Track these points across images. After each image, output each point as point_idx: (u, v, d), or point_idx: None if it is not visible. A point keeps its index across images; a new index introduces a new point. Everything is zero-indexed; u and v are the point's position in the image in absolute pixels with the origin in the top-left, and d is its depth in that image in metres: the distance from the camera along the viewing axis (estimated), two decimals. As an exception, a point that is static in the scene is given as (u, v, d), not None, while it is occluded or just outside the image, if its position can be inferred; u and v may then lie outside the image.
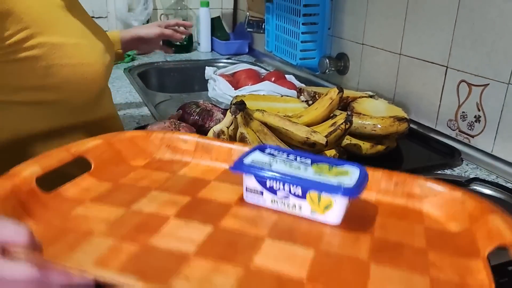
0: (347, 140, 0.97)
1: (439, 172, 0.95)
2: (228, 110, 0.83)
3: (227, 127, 0.83)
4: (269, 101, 1.12)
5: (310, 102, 1.14)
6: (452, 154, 1.00)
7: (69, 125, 0.82)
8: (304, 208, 0.51)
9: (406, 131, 0.98)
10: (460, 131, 1.05)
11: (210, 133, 0.82)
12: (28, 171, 0.50)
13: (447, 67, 1.06)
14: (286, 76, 1.38)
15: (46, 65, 0.73)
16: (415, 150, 1.06)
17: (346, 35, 1.40)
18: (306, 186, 0.50)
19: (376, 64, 1.29)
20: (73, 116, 0.83)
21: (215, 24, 2.09)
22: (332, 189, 0.49)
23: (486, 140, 0.98)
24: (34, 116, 0.78)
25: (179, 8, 2.02)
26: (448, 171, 0.96)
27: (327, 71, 1.41)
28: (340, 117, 0.89)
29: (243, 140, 0.82)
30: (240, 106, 0.83)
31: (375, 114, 1.03)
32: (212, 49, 2.09)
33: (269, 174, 0.51)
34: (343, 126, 0.87)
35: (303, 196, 0.51)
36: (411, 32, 1.15)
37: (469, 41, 0.99)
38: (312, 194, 0.50)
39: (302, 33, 1.40)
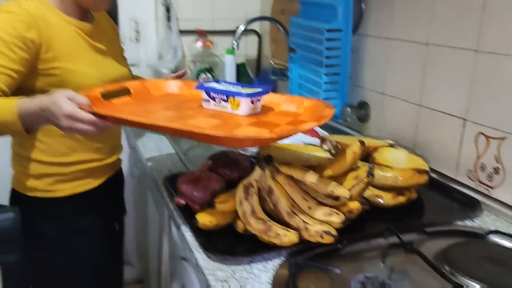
0: (369, 191, 1.01)
1: (459, 223, 0.97)
2: (257, 164, 0.88)
3: (255, 180, 0.88)
4: (294, 150, 1.18)
5: (333, 151, 1.19)
6: (472, 205, 1.03)
7: None
8: (228, 107, 0.97)
9: (426, 183, 1.01)
10: (479, 181, 1.08)
11: (239, 186, 0.88)
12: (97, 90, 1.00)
13: (465, 119, 1.10)
14: (309, 124, 1.44)
15: (60, 81, 1.07)
16: (436, 200, 1.09)
17: (367, 84, 1.46)
18: (227, 95, 0.97)
19: (396, 113, 1.34)
20: None
21: (240, 69, 2.18)
22: (239, 95, 0.95)
23: (506, 192, 1.01)
24: None
25: (206, 55, 2.13)
26: (468, 222, 0.99)
27: (348, 119, 1.47)
28: (363, 170, 0.93)
29: (270, 192, 0.87)
30: (268, 160, 0.88)
31: (396, 165, 1.07)
32: (237, 94, 2.17)
33: (211, 89, 0.99)
34: (365, 179, 0.91)
35: (227, 100, 0.97)
36: (430, 84, 1.20)
37: (486, 96, 1.04)
38: (230, 98, 0.96)
39: (325, 82, 1.47)
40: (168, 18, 2.03)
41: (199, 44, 2.09)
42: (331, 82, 1.48)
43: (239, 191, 0.87)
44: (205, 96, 1.01)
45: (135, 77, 1.42)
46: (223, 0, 2.14)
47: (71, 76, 1.07)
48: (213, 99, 1.00)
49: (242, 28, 1.73)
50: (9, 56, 0.98)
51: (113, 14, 1.99)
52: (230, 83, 1.08)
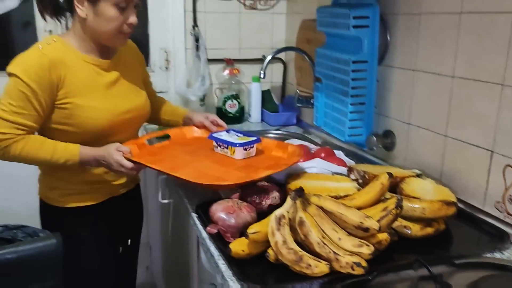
0: (397, 222, 1.02)
1: (488, 255, 0.98)
2: (288, 196, 0.92)
3: (287, 212, 0.91)
4: (321, 180, 1.21)
5: (360, 181, 1.21)
6: (501, 237, 1.04)
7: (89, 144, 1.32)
8: (228, 153, 1.33)
9: (454, 214, 1.03)
10: (508, 213, 1.08)
11: (272, 217, 0.91)
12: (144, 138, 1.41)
13: (492, 151, 1.11)
14: (335, 151, 1.47)
15: (69, 114, 1.25)
16: (464, 231, 1.10)
17: (392, 114, 1.49)
18: (226, 144, 1.34)
19: (422, 143, 1.36)
20: (90, 141, 1.29)
21: (265, 96, 2.24)
22: (234, 144, 1.31)
23: (535, 224, 1.01)
24: (71, 136, 1.28)
25: (233, 82, 2.19)
26: (497, 254, 0.99)
27: (374, 147, 1.49)
28: (391, 202, 0.96)
29: (301, 224, 0.90)
30: (299, 192, 0.92)
31: (424, 196, 1.09)
32: (262, 120, 2.22)
33: (217, 139, 1.36)
34: (394, 211, 0.93)
35: (227, 147, 1.34)
36: (456, 115, 1.22)
37: (513, 129, 1.05)
38: (229, 146, 1.33)
39: (351, 112, 1.50)
40: (197, 48, 2.10)
41: (226, 72, 2.16)
42: (357, 111, 1.51)
43: (272, 222, 0.90)
44: (214, 143, 1.38)
45: (159, 100, 1.61)
46: (250, 30, 2.21)
47: (79, 110, 1.25)
48: (220, 146, 1.37)
49: (269, 57, 1.79)
50: (34, 98, 1.19)
51: (144, 44, 2.09)
52: (238, 132, 1.41)
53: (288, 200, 0.92)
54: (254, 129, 2.12)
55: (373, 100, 1.50)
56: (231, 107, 2.16)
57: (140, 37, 2.09)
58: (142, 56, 1.52)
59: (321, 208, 0.93)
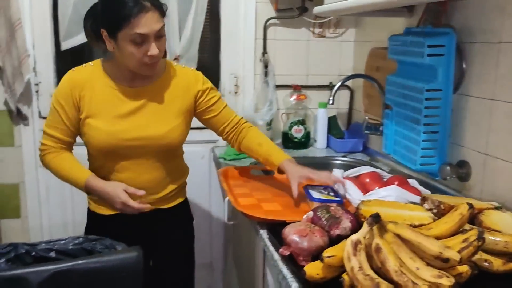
0: (477, 255, 0.99)
1: None
2: (365, 221, 0.92)
3: (363, 237, 0.91)
4: (394, 208, 1.19)
5: (434, 211, 1.18)
6: None
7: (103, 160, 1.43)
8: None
9: (540, 250, 0.97)
10: None
11: (348, 242, 0.91)
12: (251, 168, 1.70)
13: None
14: (409, 180, 1.45)
15: (83, 130, 1.38)
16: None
17: (467, 143, 1.45)
18: (309, 197, 1.35)
19: (501, 174, 1.31)
20: (103, 158, 1.41)
21: (331, 122, 2.24)
22: (312, 199, 1.32)
23: None
24: (89, 151, 1.44)
25: (300, 108, 2.22)
26: None
27: (448, 177, 1.45)
28: (472, 233, 0.93)
29: (378, 250, 0.89)
30: (376, 218, 0.91)
31: (505, 229, 1.05)
32: (328, 146, 2.22)
33: (307, 191, 1.38)
34: (475, 243, 0.91)
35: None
36: (540, 147, 1.17)
37: None
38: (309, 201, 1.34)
39: (423, 140, 1.48)
40: (266, 74, 2.16)
41: (294, 97, 2.19)
42: (430, 139, 1.48)
43: (348, 247, 0.90)
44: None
45: (243, 132, 1.56)
46: (318, 57, 2.25)
47: (88, 128, 1.37)
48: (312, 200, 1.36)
49: (338, 84, 1.81)
50: (62, 112, 1.36)
51: (215, 69, 2.18)
52: (332, 191, 1.38)
53: (365, 226, 0.92)
54: (319, 155, 2.13)
55: (447, 128, 1.47)
56: (297, 132, 2.19)
57: (211, 63, 2.19)
58: (198, 85, 1.48)
59: (398, 235, 0.92)
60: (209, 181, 2.25)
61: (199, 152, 2.22)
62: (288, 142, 2.21)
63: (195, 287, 1.70)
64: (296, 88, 2.20)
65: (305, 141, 2.21)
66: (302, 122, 2.19)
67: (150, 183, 1.44)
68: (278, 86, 2.20)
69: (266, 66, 2.16)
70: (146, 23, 1.25)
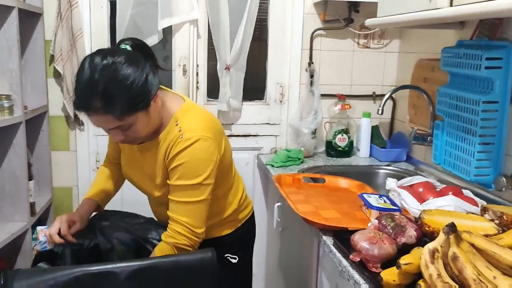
0: (548, 266, 1.01)
1: None
2: (441, 230, 0.95)
3: (440, 246, 0.94)
4: (456, 218, 1.21)
5: (497, 221, 1.20)
6: None
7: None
8: (367, 212, 1.39)
9: None
10: None
11: (425, 250, 0.94)
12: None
13: None
14: (463, 191, 1.47)
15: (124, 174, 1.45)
16: None
17: (523, 155, 1.46)
18: (367, 205, 1.38)
19: (560, 187, 1.32)
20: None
21: (374, 132, 2.27)
22: (371, 207, 1.36)
23: None
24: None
25: (343, 117, 2.26)
26: None
27: (503, 189, 1.47)
28: (546, 244, 0.95)
29: (455, 259, 0.92)
30: (452, 228, 0.94)
31: None
32: (370, 155, 2.25)
33: (364, 199, 1.42)
34: (551, 254, 0.93)
35: (367, 208, 1.39)
36: None
37: None
38: (368, 208, 1.38)
39: (478, 152, 1.50)
40: (311, 83, 2.21)
41: (338, 107, 2.23)
42: (484, 151, 1.50)
43: (425, 255, 0.93)
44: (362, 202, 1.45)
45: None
46: (362, 67, 2.28)
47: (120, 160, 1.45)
48: (364, 205, 1.42)
49: (388, 94, 1.84)
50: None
51: (262, 78, 2.23)
52: (388, 199, 1.42)
53: (441, 235, 0.95)
54: (362, 164, 2.16)
55: (503, 140, 1.49)
56: (341, 141, 2.22)
57: (258, 72, 2.24)
58: (172, 151, 1.23)
59: (472, 245, 0.95)
60: (252, 188, 2.30)
61: (244, 158, 2.27)
62: (331, 150, 2.24)
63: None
64: (341, 97, 2.24)
65: (349, 150, 2.24)
66: (346, 131, 2.23)
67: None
68: (322, 95, 2.23)
69: (311, 76, 2.20)
70: (96, 121, 1.15)
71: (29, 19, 1.86)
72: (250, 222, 1.54)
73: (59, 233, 1.25)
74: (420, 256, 0.96)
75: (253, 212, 1.56)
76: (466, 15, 1.23)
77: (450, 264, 0.92)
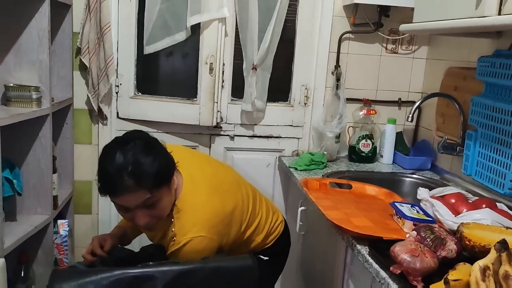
0: None
1: None
2: (493, 247, 0.92)
3: (492, 263, 0.91)
4: (497, 233, 1.19)
5: (538, 238, 1.18)
6: None
7: None
8: (400, 222, 1.38)
9: None
10: None
11: (476, 267, 0.91)
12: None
13: None
14: (497, 204, 1.44)
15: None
16: None
17: (560, 171, 1.43)
18: (401, 215, 1.36)
19: None
20: None
21: (397, 138, 2.24)
22: (406, 217, 1.34)
23: None
24: None
25: (367, 122, 2.23)
26: None
27: (540, 203, 1.44)
28: None
29: (507, 278, 0.89)
30: (504, 245, 0.92)
31: None
32: (393, 162, 2.22)
33: (396, 207, 1.40)
34: None
35: (400, 218, 1.38)
36: None
37: None
38: (401, 218, 1.36)
39: (514, 164, 1.47)
40: (337, 87, 2.18)
41: (363, 112, 2.20)
42: (520, 164, 1.47)
43: (476, 272, 0.91)
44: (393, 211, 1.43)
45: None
46: (388, 73, 2.25)
47: None
48: (396, 214, 1.40)
49: (419, 102, 1.81)
50: None
51: (286, 80, 2.20)
52: (420, 209, 1.41)
53: (493, 252, 0.92)
54: (385, 170, 2.13)
55: (541, 154, 1.46)
56: (365, 146, 2.19)
57: (283, 73, 2.21)
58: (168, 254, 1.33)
59: (523, 263, 0.92)
60: (272, 189, 2.28)
61: (265, 160, 2.25)
62: (354, 155, 2.21)
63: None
64: (367, 102, 2.21)
65: (372, 156, 2.21)
66: (370, 137, 2.20)
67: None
68: (348, 100, 2.20)
69: (338, 79, 2.18)
70: (125, 200, 1.19)
71: (59, 11, 1.84)
72: (282, 238, 1.63)
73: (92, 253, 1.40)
74: (469, 273, 0.93)
75: (284, 227, 1.66)
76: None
77: (502, 282, 0.90)
